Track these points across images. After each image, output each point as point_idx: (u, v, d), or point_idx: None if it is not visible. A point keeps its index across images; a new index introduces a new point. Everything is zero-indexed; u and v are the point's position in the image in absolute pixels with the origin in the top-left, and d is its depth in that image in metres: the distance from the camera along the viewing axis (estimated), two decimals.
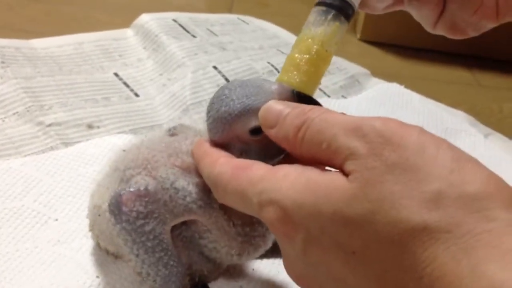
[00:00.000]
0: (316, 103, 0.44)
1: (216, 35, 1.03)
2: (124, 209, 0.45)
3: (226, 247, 0.49)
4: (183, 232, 0.50)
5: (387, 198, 0.34)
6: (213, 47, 0.98)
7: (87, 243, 0.58)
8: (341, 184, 0.36)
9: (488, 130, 0.90)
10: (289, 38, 1.11)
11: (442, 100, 0.98)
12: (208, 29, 1.04)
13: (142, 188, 0.45)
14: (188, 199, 0.46)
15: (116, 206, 0.45)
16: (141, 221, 0.45)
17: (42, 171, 0.68)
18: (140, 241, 0.45)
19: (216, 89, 0.87)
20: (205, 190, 0.46)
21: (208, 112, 0.46)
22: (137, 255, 0.46)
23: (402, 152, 0.35)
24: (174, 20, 1.03)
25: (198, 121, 0.83)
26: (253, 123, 0.43)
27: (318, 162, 0.39)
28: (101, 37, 0.97)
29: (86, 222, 0.61)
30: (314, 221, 0.36)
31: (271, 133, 0.41)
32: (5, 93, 0.79)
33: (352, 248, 0.35)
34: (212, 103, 0.46)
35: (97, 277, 0.54)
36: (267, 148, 0.44)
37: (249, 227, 0.48)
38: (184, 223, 0.49)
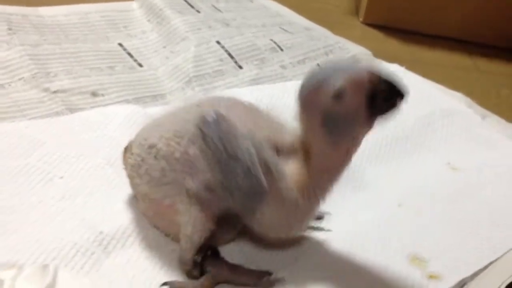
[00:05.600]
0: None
1: (220, 11, 1.05)
2: (219, 125, 0.50)
3: (274, 212, 0.52)
4: None
5: None
6: (216, 22, 0.99)
7: (91, 200, 0.60)
8: None
9: (485, 112, 0.91)
10: (292, 17, 1.12)
11: (441, 84, 0.99)
12: (213, 5, 1.05)
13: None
14: (273, 160, 0.51)
15: (213, 122, 0.51)
16: (230, 136, 0.50)
17: (47, 134, 0.69)
18: (230, 150, 0.50)
19: (219, 63, 0.90)
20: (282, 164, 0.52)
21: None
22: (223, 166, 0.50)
23: None
24: None
25: (200, 93, 0.85)
26: (338, 87, 0.48)
27: None
28: (107, 8, 0.98)
29: (90, 181, 0.63)
30: None
31: None
32: (11, 59, 0.80)
33: None
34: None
35: (101, 232, 0.56)
36: (347, 115, 0.49)
37: (301, 198, 0.52)
38: None
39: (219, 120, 0.50)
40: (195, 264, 0.54)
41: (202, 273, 0.54)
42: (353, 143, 0.52)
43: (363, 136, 0.52)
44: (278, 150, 0.53)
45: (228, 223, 0.55)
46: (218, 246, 0.57)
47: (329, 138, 0.50)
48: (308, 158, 0.52)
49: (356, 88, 0.48)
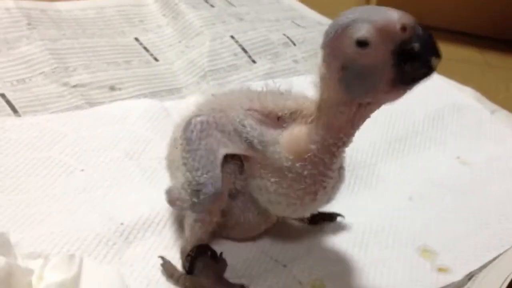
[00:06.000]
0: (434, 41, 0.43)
1: (233, 5, 1.06)
2: (195, 123, 0.51)
3: (276, 184, 0.51)
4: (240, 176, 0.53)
5: None
6: (230, 17, 1.01)
7: (111, 192, 0.62)
8: None
9: (494, 106, 0.93)
10: (304, 11, 1.14)
11: (451, 78, 1.00)
12: (226, 0, 1.07)
13: (211, 117, 0.51)
14: (253, 133, 0.50)
15: (193, 122, 0.51)
16: (202, 135, 0.50)
17: (68, 127, 0.72)
18: (191, 149, 0.50)
19: (233, 57, 0.92)
20: (272, 133, 0.50)
21: None
22: (185, 164, 0.51)
23: None
24: None
25: (215, 87, 0.87)
26: (362, 33, 0.42)
27: None
28: (122, 3, 1.00)
29: (109, 173, 0.65)
30: None
31: None
32: (32, 54, 0.82)
33: None
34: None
35: (122, 223, 0.58)
36: (369, 68, 0.43)
37: (300, 163, 0.49)
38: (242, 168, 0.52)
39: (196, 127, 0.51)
40: (187, 258, 0.54)
41: (191, 268, 0.54)
42: (368, 105, 0.46)
43: (382, 101, 0.46)
44: (280, 118, 0.51)
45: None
46: (247, 236, 0.59)
47: (344, 90, 0.45)
48: (317, 118, 0.48)
49: (384, 37, 0.42)
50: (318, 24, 1.09)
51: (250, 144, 0.50)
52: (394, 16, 0.42)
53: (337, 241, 0.62)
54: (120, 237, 0.57)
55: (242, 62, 0.93)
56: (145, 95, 0.83)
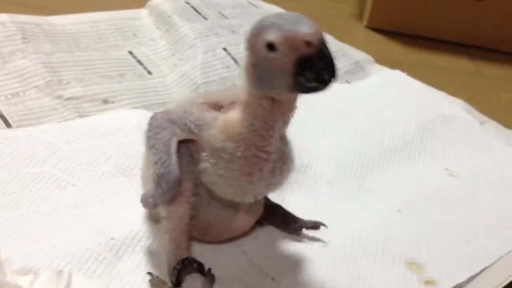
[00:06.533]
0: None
1: (226, 18, 1.07)
2: (152, 121, 0.56)
3: (214, 166, 0.53)
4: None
5: None
6: (223, 29, 1.02)
7: (103, 207, 0.63)
8: None
9: (483, 117, 0.94)
10: None
11: (443, 88, 1.01)
12: (219, 12, 1.08)
13: (166, 111, 0.57)
14: (190, 118, 0.54)
15: (150, 120, 0.57)
16: (158, 130, 0.55)
17: (61, 139, 0.72)
18: (151, 145, 0.55)
19: (225, 69, 0.93)
20: (208, 117, 0.54)
21: None
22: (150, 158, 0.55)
23: None
24: (187, 2, 1.07)
25: None
26: (271, 38, 0.46)
27: None
28: (116, 16, 1.01)
29: (101, 188, 0.66)
30: None
31: None
32: (26, 67, 0.83)
33: None
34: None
35: (112, 238, 0.59)
36: (273, 72, 0.47)
37: (233, 145, 0.52)
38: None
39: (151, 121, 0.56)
40: (173, 271, 0.55)
41: (178, 282, 0.55)
42: (279, 103, 0.50)
43: (290, 100, 0.50)
44: (220, 106, 0.56)
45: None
46: (225, 237, 0.61)
47: (256, 85, 0.49)
48: (246, 104, 0.51)
49: (289, 47, 0.46)
50: None
51: (189, 129, 0.54)
52: (302, 30, 0.46)
53: (326, 253, 0.63)
54: (110, 251, 0.58)
55: (235, 75, 0.93)
56: (138, 109, 0.83)
